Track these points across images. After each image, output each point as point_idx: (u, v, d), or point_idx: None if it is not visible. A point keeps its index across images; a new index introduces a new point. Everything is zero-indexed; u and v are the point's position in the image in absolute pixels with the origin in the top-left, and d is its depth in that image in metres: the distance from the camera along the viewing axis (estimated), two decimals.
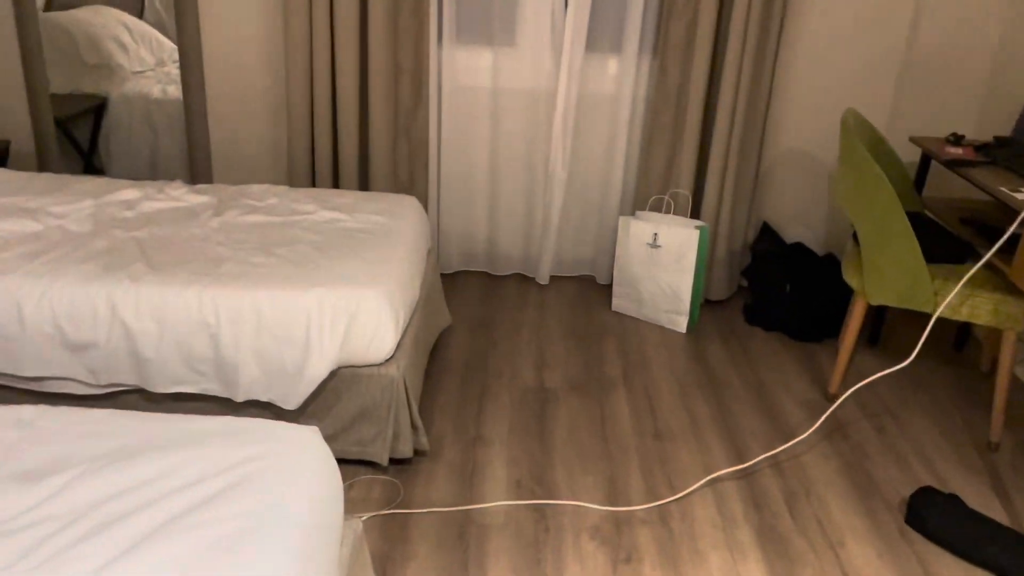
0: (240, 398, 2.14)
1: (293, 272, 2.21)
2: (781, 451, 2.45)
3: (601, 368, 2.87)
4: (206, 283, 2.13)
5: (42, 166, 3.50)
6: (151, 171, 3.82)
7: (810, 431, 2.56)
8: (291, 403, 2.13)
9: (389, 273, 2.27)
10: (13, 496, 1.30)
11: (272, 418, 2.21)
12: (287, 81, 3.16)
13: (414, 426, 2.28)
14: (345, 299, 2.12)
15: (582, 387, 2.75)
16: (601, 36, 3.27)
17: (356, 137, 3.24)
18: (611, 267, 3.48)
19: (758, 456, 2.43)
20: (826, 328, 3.20)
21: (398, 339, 2.21)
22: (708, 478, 2.31)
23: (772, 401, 2.74)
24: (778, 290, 3.22)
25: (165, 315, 2.09)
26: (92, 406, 2.18)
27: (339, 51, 3.10)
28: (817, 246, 3.55)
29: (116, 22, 3.90)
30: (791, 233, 3.54)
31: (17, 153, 3.44)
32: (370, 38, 3.10)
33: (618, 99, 3.32)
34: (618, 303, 3.33)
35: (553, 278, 3.61)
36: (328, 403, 2.21)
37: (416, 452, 2.32)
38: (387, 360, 2.20)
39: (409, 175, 3.35)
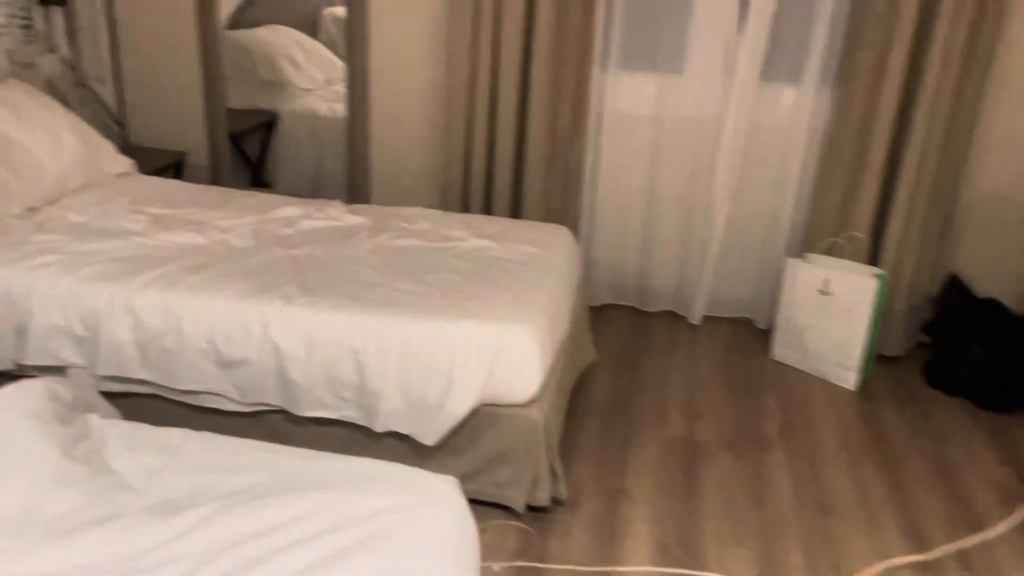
0: (379, 428, 2.09)
1: (441, 302, 2.14)
2: (970, 544, 2.14)
3: (758, 423, 2.64)
4: (355, 309, 2.10)
5: (215, 178, 3.65)
6: (314, 186, 3.92)
7: (1007, 525, 2.23)
8: (430, 438, 2.06)
9: (538, 308, 2.16)
10: (150, 528, 1.28)
11: (410, 450, 2.15)
12: (447, 103, 3.14)
13: (554, 473, 2.15)
14: (492, 334, 2.03)
15: (736, 443, 2.53)
16: (778, 64, 3.04)
17: (512, 162, 3.17)
18: (772, 311, 3.22)
19: (942, 545, 2.12)
20: (1022, 397, 2.82)
21: (543, 380, 2.09)
22: (882, 566, 2.04)
23: (956, 479, 2.41)
24: (966, 350, 2.86)
25: (314, 338, 2.08)
26: (237, 423, 2.20)
27: (501, 76, 3.05)
28: (1015, 303, 3.14)
29: (291, 41, 4.05)
30: (984, 287, 3.16)
31: (193, 165, 3.61)
32: (533, 63, 3.02)
33: (792, 131, 3.08)
34: (779, 351, 3.07)
35: (707, 318, 3.39)
36: (467, 441, 2.12)
37: (554, 501, 2.19)
38: (530, 401, 2.09)
39: (562, 202, 3.25)
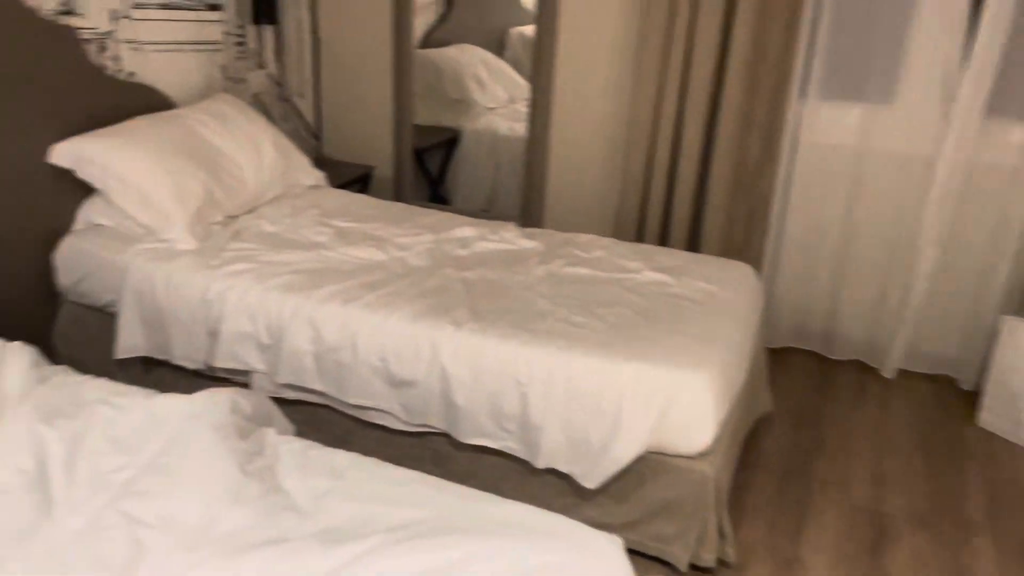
0: (540, 464, 2.03)
1: (612, 339, 2.05)
2: None
3: (959, 500, 2.35)
4: (523, 339, 2.05)
5: (397, 191, 3.76)
6: (489, 203, 3.95)
7: None
8: (591, 481, 1.97)
9: (716, 355, 2.02)
10: (315, 556, 1.27)
11: (569, 490, 2.07)
12: (630, 127, 3.06)
13: (721, 532, 2.00)
14: (665, 378, 1.92)
15: (931, 522, 2.25)
16: (1008, 98, 2.71)
17: (693, 191, 3.04)
18: (981, 372, 2.87)
19: None
20: None
21: (717, 432, 1.95)
22: None
23: None
24: None
25: (480, 365, 2.05)
26: (401, 441, 2.21)
27: (689, 101, 2.92)
28: None
29: (478, 60, 4.10)
30: None
31: (378, 178, 3.73)
32: (724, 89, 2.87)
33: (1019, 172, 2.73)
34: (987, 418, 2.73)
35: (902, 372, 3.08)
36: (629, 488, 2.01)
37: (720, 562, 2.03)
38: (702, 454, 1.95)
39: (745, 236, 3.07)
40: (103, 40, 2.60)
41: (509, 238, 2.71)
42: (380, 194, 3.69)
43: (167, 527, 1.31)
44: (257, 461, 1.48)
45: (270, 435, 1.59)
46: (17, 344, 1.78)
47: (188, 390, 2.11)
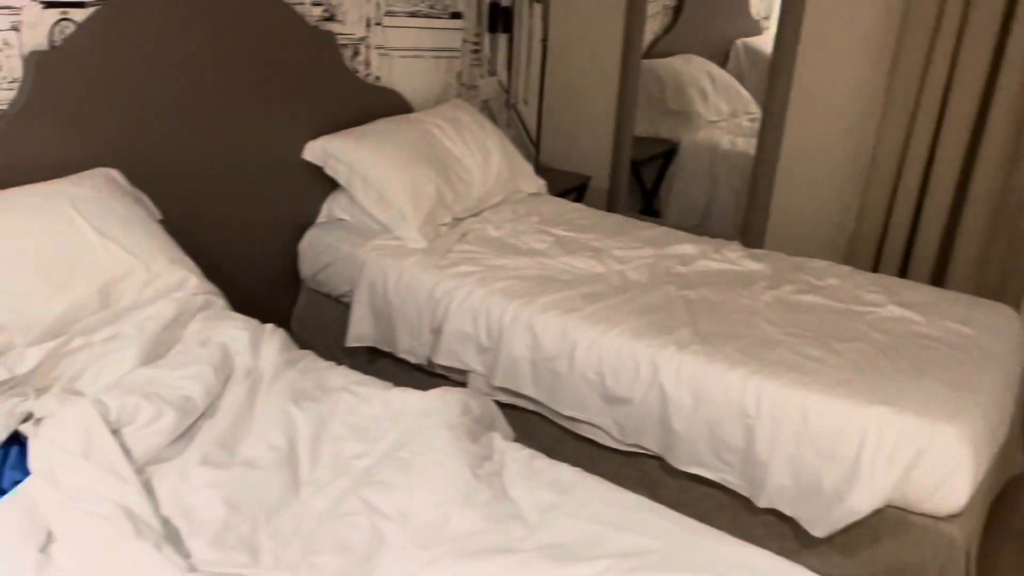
0: (762, 503, 1.91)
1: (853, 378, 1.89)
2: None
3: None
4: (753, 368, 1.94)
5: (611, 202, 3.73)
6: (703, 219, 3.83)
7: None
8: (819, 529, 1.82)
9: (976, 406, 1.80)
10: (541, 572, 1.25)
11: (790, 534, 1.93)
12: (875, 149, 2.83)
13: None
14: (915, 428, 1.74)
15: None
16: None
17: (943, 223, 2.76)
18: None
19: None
20: None
21: (972, 493, 1.74)
22: None
23: None
24: None
25: (703, 391, 1.96)
26: (611, 459, 2.16)
27: (947, 126, 2.66)
28: None
29: (702, 71, 3.99)
30: None
31: (594, 189, 3.72)
32: (991, 114, 2.59)
33: None
34: None
35: None
36: (861, 541, 1.84)
37: None
38: (952, 516, 1.75)
39: (1001, 277, 2.75)
40: (357, 45, 2.78)
41: (733, 258, 2.59)
42: (593, 204, 3.66)
43: (404, 521, 1.34)
44: (486, 466, 1.49)
45: (497, 440, 1.60)
46: (270, 326, 1.92)
47: (408, 383, 2.19)
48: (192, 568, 1.17)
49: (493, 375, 2.27)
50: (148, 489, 1.38)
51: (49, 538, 1.25)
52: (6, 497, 1.30)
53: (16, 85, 1.92)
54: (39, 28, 1.93)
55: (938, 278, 2.84)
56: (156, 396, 1.53)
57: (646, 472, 2.14)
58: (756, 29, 3.85)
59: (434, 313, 2.35)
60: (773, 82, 3.17)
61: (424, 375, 2.47)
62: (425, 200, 2.60)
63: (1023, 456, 2.39)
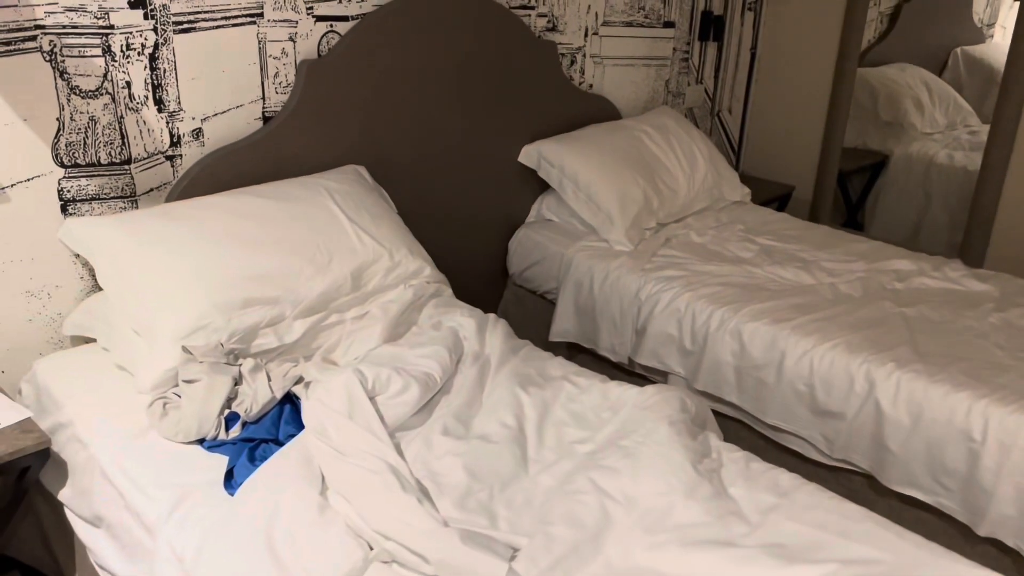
0: (982, 532, 1.83)
1: None
2: None
3: None
4: (980, 391, 1.86)
5: (813, 214, 3.64)
6: (912, 237, 3.65)
7: None
8: None
9: None
10: (764, 568, 1.29)
11: (1011, 566, 1.84)
12: None
13: None
14: None
15: None
16: None
17: None
18: None
19: None
20: None
21: None
22: None
23: None
24: None
25: (923, 411, 1.91)
26: (814, 473, 2.15)
27: None
28: None
29: (919, 81, 3.80)
30: None
31: (796, 200, 3.64)
32: None
33: None
34: None
35: None
36: None
37: None
38: None
39: None
40: (574, 54, 2.90)
41: (955, 277, 2.48)
42: (796, 214, 3.59)
43: (631, 505, 1.42)
44: (705, 463, 1.54)
45: (713, 439, 1.65)
46: (494, 316, 2.06)
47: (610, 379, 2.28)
48: (445, 523, 1.31)
49: (695, 379, 2.31)
50: (399, 451, 1.55)
51: (323, 484, 1.43)
52: (286, 447, 1.51)
53: (289, 90, 2.18)
54: (311, 39, 2.19)
55: None
56: (403, 370, 1.71)
57: (853, 489, 2.10)
58: (979, 37, 3.62)
59: (638, 314, 2.42)
60: (1003, 93, 2.98)
61: (623, 373, 2.54)
62: (632, 204, 2.68)
63: None
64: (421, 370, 1.74)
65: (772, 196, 3.47)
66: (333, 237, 1.97)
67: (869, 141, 3.79)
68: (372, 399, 1.62)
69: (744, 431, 2.28)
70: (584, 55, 2.93)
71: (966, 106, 3.71)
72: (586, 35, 2.90)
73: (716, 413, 2.31)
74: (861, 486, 2.08)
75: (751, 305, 2.27)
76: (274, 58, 2.14)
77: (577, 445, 1.62)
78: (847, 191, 3.81)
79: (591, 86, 3.00)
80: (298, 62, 2.17)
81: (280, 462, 1.46)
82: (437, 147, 2.52)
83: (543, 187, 2.85)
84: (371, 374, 1.66)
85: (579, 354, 2.68)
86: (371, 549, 1.31)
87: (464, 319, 2.00)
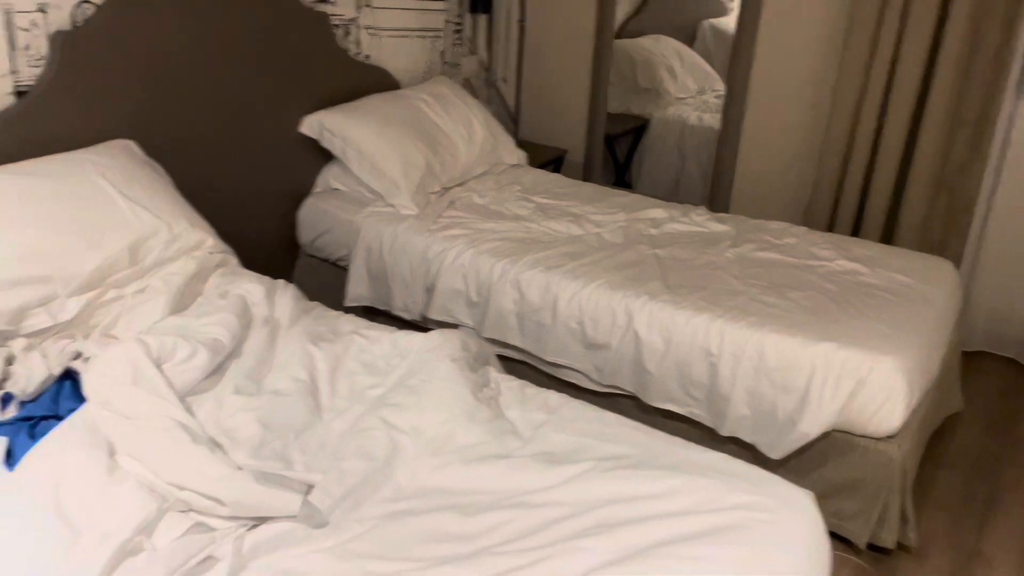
0: (724, 432, 2.15)
1: (804, 320, 2.13)
2: None
3: None
4: (715, 313, 2.17)
5: (586, 175, 3.95)
6: (672, 192, 4.06)
7: None
8: (775, 452, 2.07)
9: (910, 342, 2.05)
10: (536, 473, 1.48)
11: (751, 459, 2.15)
12: (829, 121, 3.07)
13: (904, 516, 2.04)
14: (856, 360, 1.98)
15: None
16: None
17: (891, 187, 3.01)
18: None
19: None
20: None
21: (907, 417, 1.99)
22: None
23: None
24: None
25: (672, 335, 2.19)
26: (591, 401, 2.38)
27: (894, 95, 2.91)
28: None
29: (671, 51, 4.21)
30: None
31: (569, 162, 3.93)
32: (934, 82, 2.83)
33: None
34: None
35: None
36: (812, 463, 2.09)
37: (899, 545, 2.07)
38: (889, 437, 2.00)
39: (942, 235, 3.01)
40: (348, 26, 2.95)
41: (700, 221, 2.82)
42: (570, 176, 3.88)
43: (417, 434, 1.55)
44: (485, 392, 1.71)
45: (492, 372, 1.82)
46: (282, 282, 2.11)
47: None
48: (239, 468, 1.38)
49: (482, 328, 2.48)
50: (189, 413, 1.58)
51: (111, 450, 1.44)
52: (68, 418, 1.50)
53: (42, 63, 2.08)
54: (63, 9, 2.09)
55: (887, 239, 3.10)
56: (190, 337, 1.73)
57: (622, 411, 2.34)
58: (722, 10, 4.05)
59: (427, 273, 2.56)
60: (735, 60, 3.40)
61: (417, 330, 2.67)
62: (416, 170, 2.80)
63: (960, 397, 2.67)
64: (209, 336, 1.77)
65: (547, 159, 3.72)
66: (104, 212, 1.93)
67: (632, 106, 4.15)
68: (158, 367, 1.63)
69: (528, 370, 2.49)
70: (358, 27, 2.99)
71: (713, 72, 4.16)
72: (358, 7, 2.97)
73: (503, 358, 2.51)
74: (628, 407, 2.35)
75: (528, 256, 2.47)
76: (23, 30, 2.03)
77: (368, 391, 1.72)
78: (615, 153, 4.15)
79: (368, 57, 3.08)
80: (51, 33, 2.08)
81: (64, 432, 1.45)
82: (215, 120, 2.50)
83: (327, 157, 2.90)
84: (155, 342, 1.67)
85: (375, 317, 2.77)
86: (165, 501, 1.35)
87: (252, 285, 2.03)
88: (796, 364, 2.03)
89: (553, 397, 1.73)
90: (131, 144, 2.23)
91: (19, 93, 2.06)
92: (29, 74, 2.07)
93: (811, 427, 2.01)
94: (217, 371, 1.75)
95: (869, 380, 1.96)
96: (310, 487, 1.42)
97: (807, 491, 1.49)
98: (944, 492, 2.32)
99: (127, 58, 2.21)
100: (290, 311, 1.98)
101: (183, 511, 1.34)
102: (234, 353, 1.81)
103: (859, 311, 2.19)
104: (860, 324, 2.11)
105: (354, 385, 1.75)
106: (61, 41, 2.06)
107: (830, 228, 3.19)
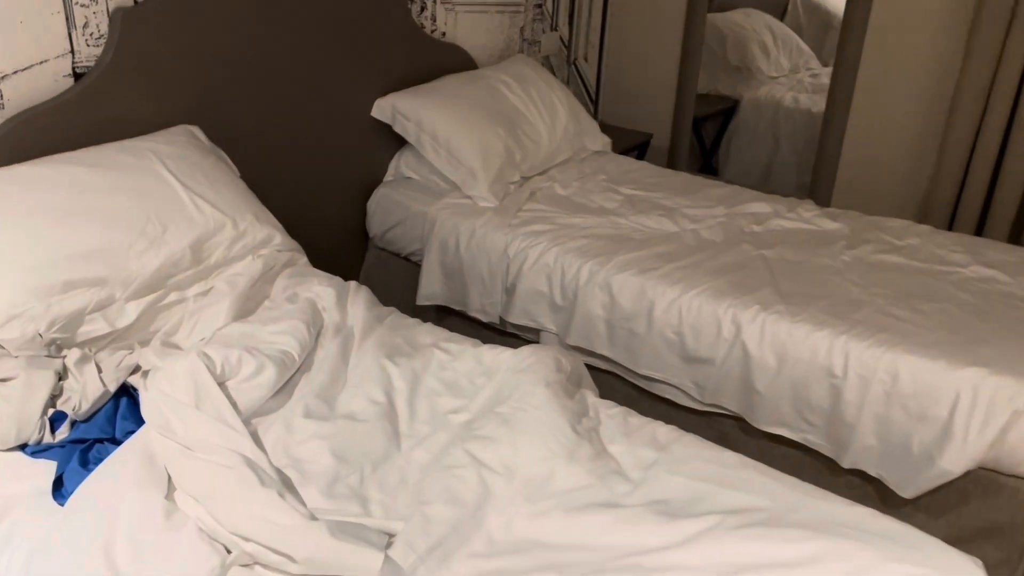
0: (846, 464, 1.90)
1: (943, 338, 1.86)
2: None
3: None
4: (840, 328, 1.91)
5: (671, 160, 3.68)
6: (764, 179, 3.77)
7: None
8: (908, 490, 1.81)
9: None
10: (651, 527, 1.26)
11: (873, 494, 1.92)
12: (952, 105, 2.75)
13: None
14: (1012, 389, 1.71)
15: None
16: None
17: (1022, 181, 2.68)
18: None
19: None
20: None
21: None
22: None
23: None
24: None
25: (788, 351, 1.94)
26: (687, 419, 2.16)
27: None
28: None
29: (763, 25, 3.89)
30: None
31: (654, 147, 3.67)
32: None
33: None
34: None
35: None
36: (949, 502, 1.83)
37: None
38: None
39: None
40: (423, 0, 2.74)
41: (808, 217, 2.54)
42: (654, 162, 3.62)
43: (511, 475, 1.35)
44: (584, 422, 1.50)
45: (590, 397, 1.60)
46: (354, 283, 1.93)
47: (482, 342, 2.20)
48: (312, 516, 1.20)
49: (567, 334, 2.27)
50: (256, 440, 1.41)
51: (170, 486, 1.28)
52: (123, 446, 1.34)
53: (102, 41, 1.92)
54: None
55: (1015, 237, 2.77)
56: (256, 350, 1.56)
57: (723, 432, 2.14)
58: None
59: (507, 272, 2.35)
60: (845, 37, 3.08)
61: (495, 333, 2.48)
62: (495, 158, 2.58)
63: None
64: (276, 348, 1.59)
65: (631, 144, 3.47)
66: (166, 206, 1.77)
67: (720, 86, 3.86)
68: (222, 384, 1.47)
69: (618, 383, 2.27)
70: (435, 1, 2.78)
71: (807, 49, 3.84)
72: None
73: (589, 367, 2.29)
74: (731, 428, 2.11)
75: (618, 256, 2.24)
76: (81, 6, 1.87)
77: (452, 415, 1.53)
78: (701, 136, 3.87)
79: (444, 34, 2.86)
80: (111, 9, 1.91)
81: (117, 464, 1.29)
82: (282, 104, 2.33)
83: (400, 143, 2.70)
84: (219, 356, 1.50)
85: (448, 316, 2.59)
86: (229, 553, 1.18)
87: (322, 288, 1.85)
88: (937, 391, 1.77)
89: (662, 431, 1.51)
90: (195, 130, 2.06)
91: (77, 75, 1.90)
92: (88, 54, 1.91)
93: (954, 464, 1.74)
94: (285, 387, 1.58)
95: None
96: (391, 537, 1.23)
97: (975, 560, 1.24)
98: None
99: (191, 37, 2.04)
100: (363, 318, 1.79)
101: (247, 565, 1.17)
102: (304, 367, 1.64)
103: (1007, 328, 1.90)
104: (1013, 345, 1.83)
105: (435, 408, 1.55)
106: (121, 18, 1.90)
107: (950, 226, 2.87)
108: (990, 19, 2.61)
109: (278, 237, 1.95)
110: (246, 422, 1.43)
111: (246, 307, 1.79)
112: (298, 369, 1.62)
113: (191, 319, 1.73)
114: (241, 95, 2.21)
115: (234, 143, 2.17)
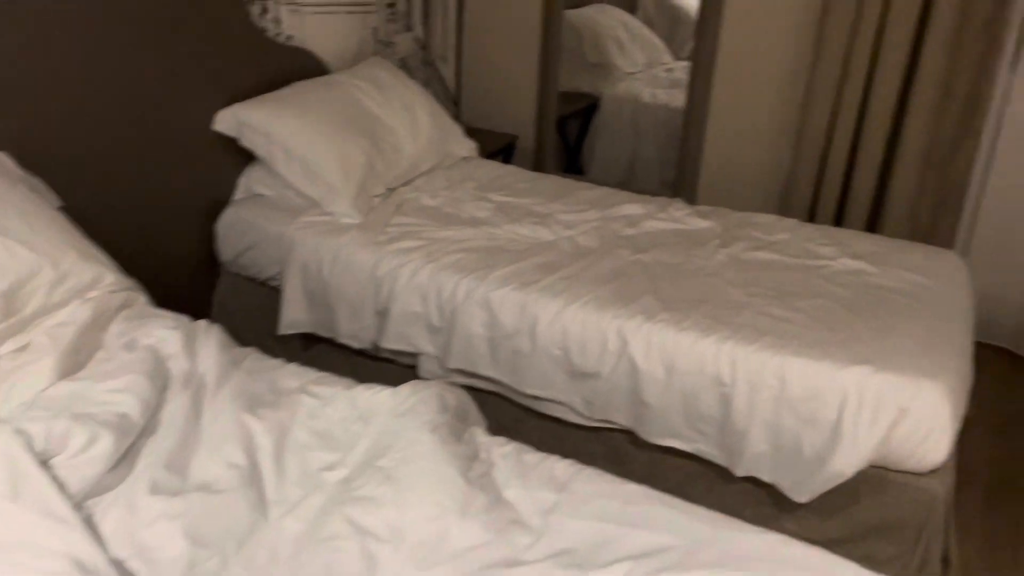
0: (740, 472, 1.86)
1: (827, 337, 1.85)
2: None
3: None
4: (724, 333, 1.87)
5: (537, 162, 3.60)
6: (628, 176, 3.76)
7: None
8: (802, 495, 1.79)
9: (950, 360, 1.80)
10: None
11: (767, 500, 1.89)
12: (806, 99, 2.80)
13: (946, 559, 1.80)
14: (897, 386, 1.71)
15: None
16: None
17: (876, 167, 2.77)
18: None
19: None
20: None
21: (952, 447, 1.73)
22: None
23: None
24: None
25: (675, 361, 1.88)
26: (577, 436, 2.07)
27: (880, 70, 2.65)
28: None
29: (617, 21, 3.88)
30: None
31: (520, 149, 3.57)
32: (922, 57, 2.59)
33: None
34: None
35: None
36: (841, 503, 1.82)
37: None
38: (931, 471, 1.74)
39: (932, 219, 2.79)
40: (265, 2, 2.51)
41: (679, 217, 2.51)
42: (521, 164, 3.53)
43: (398, 540, 1.20)
44: (476, 467, 1.36)
45: (479, 435, 1.47)
46: (204, 323, 1.71)
47: (351, 370, 2.02)
48: None
49: (447, 357, 2.12)
50: (92, 529, 1.18)
51: None
52: None
53: None
54: None
55: (872, 224, 2.87)
56: (87, 416, 1.33)
57: (613, 447, 2.06)
58: None
59: (378, 294, 2.18)
60: (701, 31, 3.09)
61: (368, 360, 2.30)
62: (356, 170, 2.40)
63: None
64: (112, 410, 1.37)
65: (497, 147, 3.36)
66: None
67: (580, 84, 3.81)
68: (46, 463, 1.23)
69: (504, 404, 2.15)
70: (277, 2, 2.55)
71: (660, 44, 3.85)
72: None
73: (473, 390, 2.16)
74: (622, 443, 2.04)
75: (496, 270, 2.12)
76: None
77: (326, 472, 1.35)
78: (565, 135, 3.82)
79: (290, 38, 2.64)
80: None
81: None
82: (109, 122, 2.05)
83: (249, 158, 2.47)
84: (40, 430, 1.26)
85: (316, 344, 2.38)
86: None
87: (166, 331, 1.63)
88: (825, 393, 1.75)
89: (559, 466, 1.40)
90: (2, 157, 1.77)
91: None
92: None
93: (846, 465, 1.73)
94: (126, 457, 1.35)
95: (913, 409, 1.69)
96: None
97: None
98: (969, 516, 2.10)
99: None
100: (217, 364, 1.58)
101: None
102: (148, 429, 1.41)
103: (882, 322, 1.92)
104: (891, 340, 1.84)
105: (307, 465, 1.37)
106: None
107: (811, 215, 2.94)
108: (836, 14, 2.67)
109: (109, 276, 1.70)
110: (78, 507, 1.21)
111: (75, 361, 1.53)
112: (141, 433, 1.40)
113: (6, 381, 1.46)
114: (60, 114, 1.92)
115: (54, 170, 1.88)
